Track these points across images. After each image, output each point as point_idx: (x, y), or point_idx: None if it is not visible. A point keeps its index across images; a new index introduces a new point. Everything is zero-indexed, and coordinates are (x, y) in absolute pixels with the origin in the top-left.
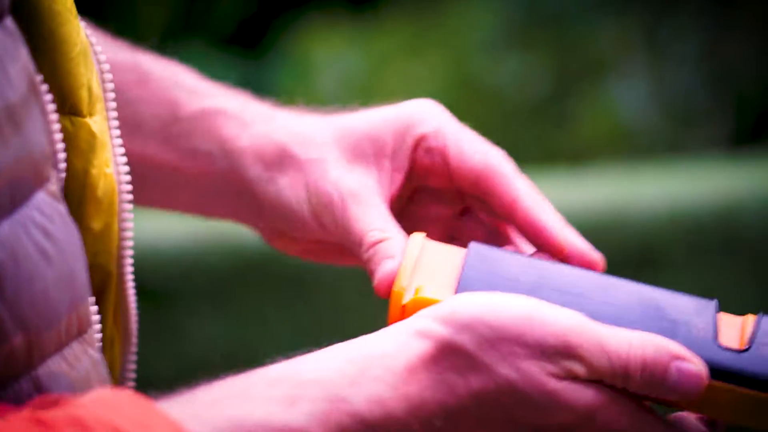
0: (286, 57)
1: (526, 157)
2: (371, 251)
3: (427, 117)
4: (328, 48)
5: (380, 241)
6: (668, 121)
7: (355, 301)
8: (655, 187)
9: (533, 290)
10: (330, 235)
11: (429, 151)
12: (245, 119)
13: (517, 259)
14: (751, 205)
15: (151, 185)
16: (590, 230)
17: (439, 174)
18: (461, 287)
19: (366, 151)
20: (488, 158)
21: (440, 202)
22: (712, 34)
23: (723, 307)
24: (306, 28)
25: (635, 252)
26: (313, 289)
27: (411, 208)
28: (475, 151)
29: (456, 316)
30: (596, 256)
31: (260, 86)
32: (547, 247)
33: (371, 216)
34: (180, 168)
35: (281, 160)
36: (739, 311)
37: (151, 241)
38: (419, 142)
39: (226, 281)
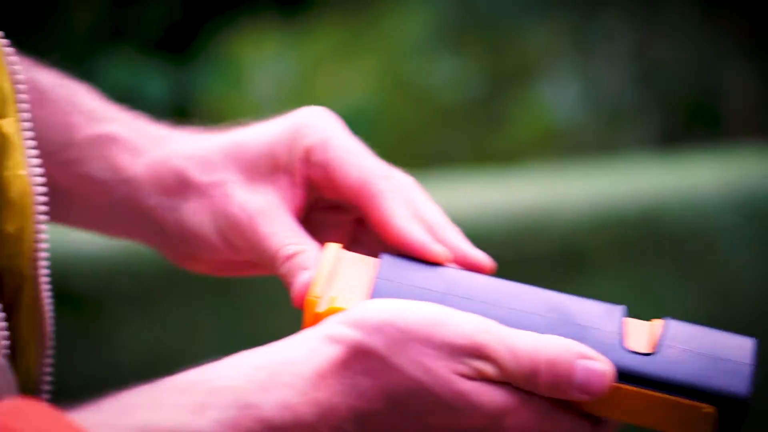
0: (217, 62)
1: (458, 157)
2: (287, 265)
3: (313, 128)
4: (260, 52)
5: (295, 254)
6: (598, 121)
7: (284, 300)
8: (584, 187)
9: (444, 298)
10: (241, 255)
11: (315, 164)
12: (139, 146)
13: (428, 269)
14: (678, 204)
15: (51, 204)
16: (521, 230)
17: (327, 186)
18: (374, 297)
19: (262, 168)
20: (365, 174)
21: (339, 210)
22: (640, 34)
23: (651, 306)
24: (236, 32)
25: (565, 251)
26: (241, 291)
27: (313, 215)
28: (354, 165)
29: (366, 320)
30: (480, 263)
31: (190, 91)
32: None
33: (282, 231)
34: (77, 192)
35: (181, 186)
36: (667, 310)
37: (74, 245)
38: (307, 155)
39: (153, 285)
